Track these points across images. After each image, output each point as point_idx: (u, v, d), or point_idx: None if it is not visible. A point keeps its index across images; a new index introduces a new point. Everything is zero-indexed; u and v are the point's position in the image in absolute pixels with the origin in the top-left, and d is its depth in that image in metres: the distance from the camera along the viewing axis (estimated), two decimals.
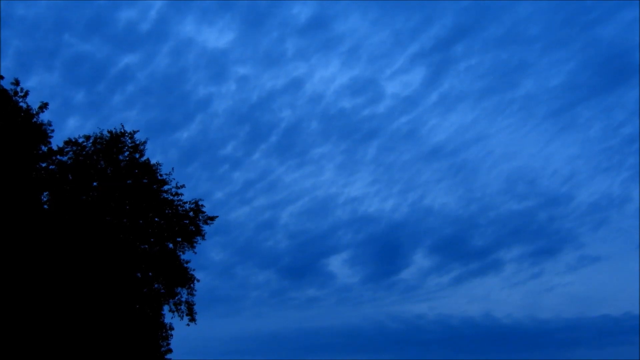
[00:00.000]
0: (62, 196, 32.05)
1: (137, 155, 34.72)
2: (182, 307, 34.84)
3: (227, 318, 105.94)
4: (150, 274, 34.67)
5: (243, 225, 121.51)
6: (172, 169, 35.20)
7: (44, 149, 32.13)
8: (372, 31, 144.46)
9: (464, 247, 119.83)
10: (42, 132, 31.61)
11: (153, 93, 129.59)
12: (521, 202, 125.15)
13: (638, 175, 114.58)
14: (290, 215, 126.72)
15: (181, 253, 35.46)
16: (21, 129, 30.24)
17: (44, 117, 31.94)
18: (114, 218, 33.14)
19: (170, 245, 35.33)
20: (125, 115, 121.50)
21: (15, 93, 30.92)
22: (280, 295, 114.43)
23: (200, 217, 35.58)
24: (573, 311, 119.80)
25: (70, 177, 32.74)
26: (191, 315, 34.87)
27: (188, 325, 34.82)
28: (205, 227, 35.79)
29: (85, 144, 33.94)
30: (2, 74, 30.44)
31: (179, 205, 35.22)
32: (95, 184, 33.46)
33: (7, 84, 30.74)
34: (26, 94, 31.22)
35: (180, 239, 35.37)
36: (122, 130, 34.58)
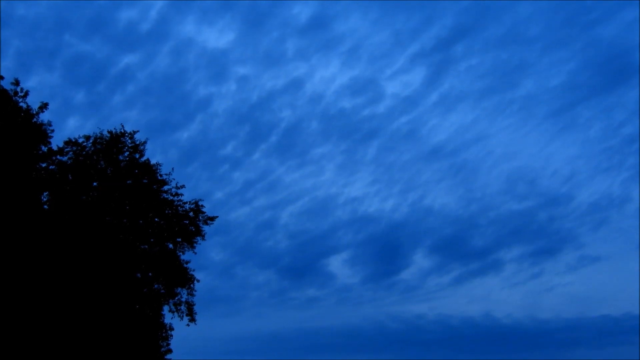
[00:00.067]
0: (62, 196, 32.04)
1: (137, 156, 34.72)
2: (182, 307, 34.84)
3: (227, 318, 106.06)
4: (150, 274, 34.66)
5: (243, 225, 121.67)
6: (172, 169, 35.25)
7: (44, 149, 32.12)
8: (372, 31, 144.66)
9: (464, 247, 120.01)
10: (42, 132, 31.59)
11: (153, 93, 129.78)
12: (521, 202, 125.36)
13: (638, 175, 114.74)
14: (290, 215, 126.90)
15: (181, 253, 35.48)
16: (21, 129, 30.23)
17: (44, 117, 31.95)
18: (114, 218, 33.13)
19: (170, 246, 35.32)
20: (126, 115, 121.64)
21: (15, 93, 30.91)
22: (280, 295, 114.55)
23: (200, 218, 35.58)
24: (573, 311, 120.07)
25: (70, 177, 32.73)
26: (191, 315, 34.86)
27: (188, 325, 34.83)
28: (205, 227, 35.83)
29: (85, 144, 33.94)
30: (2, 74, 30.47)
31: (179, 205, 35.22)
32: (95, 184, 33.45)
33: (7, 84, 30.78)
34: (26, 94, 31.21)
35: (180, 239, 35.36)
36: (122, 131, 34.58)
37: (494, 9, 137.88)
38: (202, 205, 35.50)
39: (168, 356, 34.85)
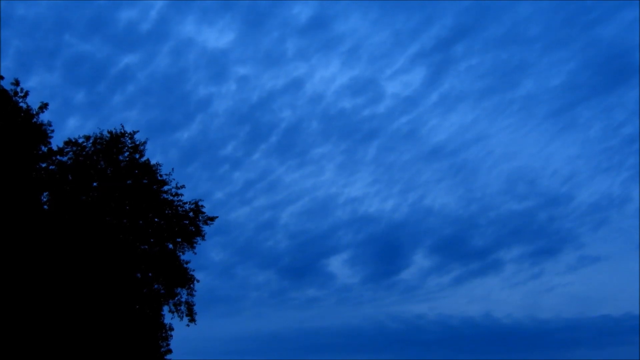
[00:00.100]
0: (62, 196, 32.05)
1: (137, 156, 34.73)
2: (182, 307, 34.85)
3: (227, 318, 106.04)
4: (150, 274, 34.67)
5: (243, 226, 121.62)
6: (172, 169, 35.26)
7: (44, 149, 32.12)
8: (372, 31, 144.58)
9: (464, 247, 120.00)
10: (42, 133, 31.59)
11: (153, 93, 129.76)
12: (521, 202, 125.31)
13: (638, 175, 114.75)
14: (291, 215, 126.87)
15: (181, 253, 35.49)
16: (21, 129, 30.23)
17: (44, 117, 31.95)
18: (114, 218, 33.14)
19: (170, 246, 35.33)
20: (126, 116, 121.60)
21: (15, 93, 30.91)
22: (280, 295, 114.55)
23: (200, 218, 35.59)
24: (573, 311, 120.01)
25: (70, 178, 32.74)
26: (191, 315, 34.86)
27: (188, 325, 34.83)
28: (205, 228, 35.84)
29: (85, 144, 33.95)
30: (2, 74, 30.45)
31: (179, 205, 35.23)
32: (95, 184, 33.45)
33: (7, 84, 30.76)
34: (26, 94, 31.20)
35: (180, 240, 35.37)
36: (122, 131, 34.59)
37: (494, 9, 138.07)
38: (202, 206, 35.57)
39: (168, 356, 34.89)
